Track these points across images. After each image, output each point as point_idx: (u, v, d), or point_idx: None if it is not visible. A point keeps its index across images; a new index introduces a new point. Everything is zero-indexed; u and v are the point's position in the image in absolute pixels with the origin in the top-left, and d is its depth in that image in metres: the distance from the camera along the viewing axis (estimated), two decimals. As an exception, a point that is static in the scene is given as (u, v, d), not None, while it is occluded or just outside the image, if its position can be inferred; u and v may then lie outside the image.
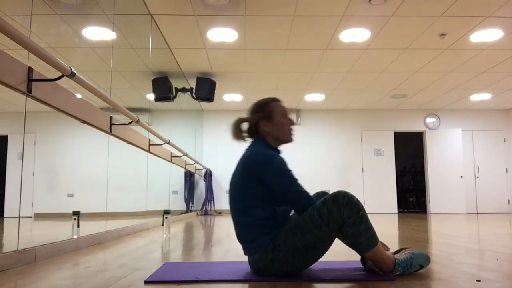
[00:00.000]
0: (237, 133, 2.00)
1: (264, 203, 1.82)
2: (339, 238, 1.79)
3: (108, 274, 1.91)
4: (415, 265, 1.81)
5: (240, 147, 9.77)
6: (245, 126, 2.02)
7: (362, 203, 9.61)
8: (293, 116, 1.91)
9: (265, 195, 1.82)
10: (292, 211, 1.96)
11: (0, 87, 2.01)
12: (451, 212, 9.60)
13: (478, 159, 10.06)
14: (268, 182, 1.79)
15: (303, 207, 1.77)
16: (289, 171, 1.82)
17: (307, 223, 1.72)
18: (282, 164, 1.82)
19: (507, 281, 1.71)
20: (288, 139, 1.99)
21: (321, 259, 2.23)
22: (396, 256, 1.83)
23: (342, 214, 1.70)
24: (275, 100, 2.00)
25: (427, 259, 1.85)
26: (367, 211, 9.63)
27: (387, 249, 1.97)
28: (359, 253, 1.80)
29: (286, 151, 9.81)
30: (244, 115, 2.03)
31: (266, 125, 1.95)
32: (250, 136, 2.01)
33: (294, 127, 2.02)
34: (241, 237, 1.87)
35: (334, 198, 1.72)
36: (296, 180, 1.81)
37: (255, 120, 1.97)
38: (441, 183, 9.76)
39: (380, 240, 1.89)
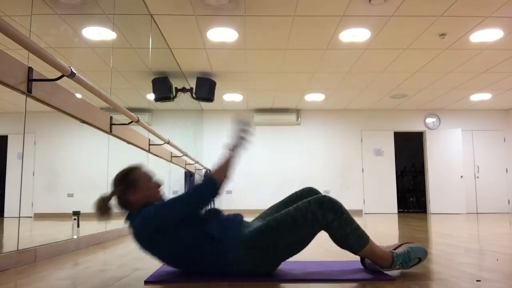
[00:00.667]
0: (104, 212, 1.85)
1: (188, 237, 1.76)
2: (334, 242, 1.81)
3: (108, 274, 1.91)
4: (414, 258, 1.82)
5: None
6: (113, 202, 1.89)
7: (362, 203, 9.66)
8: (157, 178, 1.89)
9: (179, 233, 1.76)
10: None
11: (0, 87, 2.01)
12: (451, 212, 9.60)
13: (478, 159, 10.06)
14: (168, 225, 1.74)
15: (202, 195, 1.76)
16: (162, 205, 1.76)
17: (291, 224, 1.75)
18: (155, 207, 1.76)
19: (507, 281, 1.71)
20: (157, 197, 1.92)
21: (321, 259, 2.23)
22: (394, 250, 1.84)
23: (327, 219, 1.74)
24: (134, 169, 1.93)
25: (424, 252, 1.86)
26: (367, 211, 9.67)
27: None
28: (353, 253, 1.80)
29: (286, 151, 9.81)
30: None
31: (134, 194, 1.87)
32: (124, 209, 1.91)
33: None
34: (212, 269, 1.80)
35: (320, 203, 1.75)
36: (170, 202, 1.76)
37: (122, 193, 1.88)
38: (441, 183, 9.76)
39: (379, 244, 1.89)
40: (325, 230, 1.78)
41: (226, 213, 1.94)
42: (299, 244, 1.79)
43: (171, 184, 7.38)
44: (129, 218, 1.87)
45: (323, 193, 1.98)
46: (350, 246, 1.78)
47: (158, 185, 1.95)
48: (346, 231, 1.75)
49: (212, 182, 1.78)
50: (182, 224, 1.77)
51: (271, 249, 1.76)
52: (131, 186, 1.89)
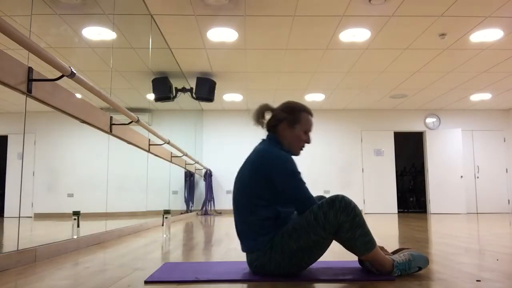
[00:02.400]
0: (259, 118, 1.96)
1: (268, 203, 1.81)
2: (335, 240, 1.79)
3: (108, 274, 1.91)
4: (414, 267, 1.80)
5: (240, 146, 9.78)
6: (267, 115, 1.98)
7: (362, 203, 9.66)
8: (311, 135, 1.95)
9: (270, 195, 1.81)
10: (295, 213, 1.96)
11: (0, 87, 2.01)
12: (451, 212, 9.60)
13: (478, 159, 10.06)
14: (276, 182, 1.78)
15: (306, 205, 1.78)
16: (299, 173, 1.81)
17: (304, 227, 1.72)
18: (293, 166, 1.81)
19: (507, 281, 1.71)
20: (295, 153, 1.96)
21: (320, 259, 2.23)
22: (395, 257, 1.82)
23: (338, 219, 1.70)
24: (308, 112, 1.97)
25: (426, 261, 1.84)
26: (367, 211, 9.66)
27: (387, 253, 1.96)
28: (356, 255, 1.80)
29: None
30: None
31: (286, 129, 1.92)
32: (267, 129, 1.98)
33: (306, 145, 2.00)
34: (242, 233, 1.86)
35: (331, 203, 1.72)
36: (304, 183, 1.81)
37: (280, 118, 1.93)
38: (441, 183, 9.76)
39: (380, 244, 1.89)
40: (335, 232, 1.73)
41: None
42: (313, 250, 1.74)
43: (171, 184, 7.38)
44: (267, 137, 1.94)
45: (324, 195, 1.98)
46: (355, 249, 1.75)
47: (307, 141, 1.96)
48: (356, 234, 1.71)
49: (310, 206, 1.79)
50: (277, 190, 1.79)
51: (286, 253, 1.74)
52: (290, 121, 1.92)
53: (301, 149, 1.97)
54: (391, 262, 1.78)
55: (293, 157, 1.94)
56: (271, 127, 1.96)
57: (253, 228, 1.81)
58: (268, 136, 1.97)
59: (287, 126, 1.92)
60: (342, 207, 1.70)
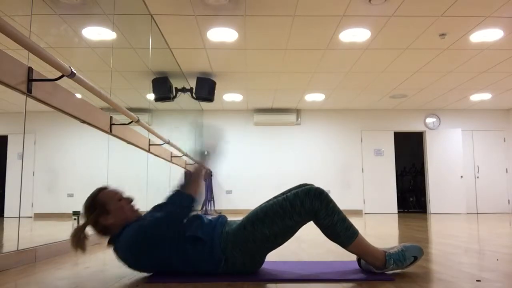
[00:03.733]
0: (80, 244, 1.76)
1: (173, 246, 1.76)
2: (320, 229, 1.82)
3: (108, 274, 1.91)
4: (409, 257, 1.81)
5: (240, 146, 9.78)
6: (90, 231, 1.82)
7: (362, 203, 9.66)
8: (126, 194, 1.87)
9: (165, 245, 1.76)
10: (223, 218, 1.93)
11: (0, 87, 2.01)
12: (451, 212, 9.60)
13: (478, 159, 10.06)
14: (155, 240, 1.73)
15: (181, 213, 1.76)
16: (144, 226, 1.73)
17: (278, 213, 1.77)
18: (139, 227, 1.73)
19: (507, 281, 1.71)
20: (131, 217, 1.85)
21: (320, 259, 2.23)
22: (386, 249, 1.84)
23: (314, 206, 1.77)
24: (101, 191, 1.86)
25: (420, 250, 1.85)
26: (367, 211, 9.67)
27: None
28: (343, 247, 1.80)
29: (286, 151, 9.81)
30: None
31: (107, 219, 1.80)
32: (103, 235, 1.84)
33: (133, 203, 1.90)
34: (203, 270, 1.81)
35: (307, 192, 1.79)
36: (153, 221, 1.73)
37: (95, 219, 1.80)
38: (441, 183, 9.76)
39: (378, 244, 1.89)
40: (313, 220, 1.80)
41: (211, 216, 1.95)
42: (286, 234, 1.80)
43: (171, 184, 7.38)
44: (112, 241, 1.81)
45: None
46: (339, 237, 1.78)
47: (129, 201, 1.89)
48: (334, 220, 1.77)
49: (188, 199, 1.76)
50: (164, 238, 1.75)
51: (258, 240, 1.76)
52: (102, 210, 1.80)
53: (135, 210, 1.89)
54: (382, 253, 1.80)
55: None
56: (103, 232, 1.83)
57: (201, 260, 1.77)
58: (110, 239, 1.84)
59: (104, 217, 1.80)
60: (316, 194, 1.78)
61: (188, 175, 1.87)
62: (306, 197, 1.78)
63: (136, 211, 1.90)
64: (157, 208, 1.98)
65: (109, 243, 1.82)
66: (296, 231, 1.84)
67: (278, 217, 1.77)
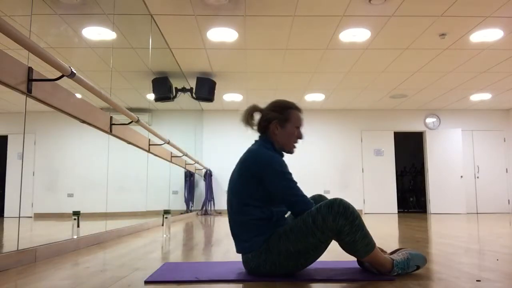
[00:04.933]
0: (248, 119, 1.97)
1: (261, 203, 1.81)
2: (341, 247, 1.79)
3: (108, 274, 1.91)
4: (412, 265, 1.81)
5: (240, 146, 9.77)
6: (257, 116, 1.99)
7: (362, 203, 9.65)
8: (303, 131, 1.95)
9: (263, 196, 1.81)
10: (289, 213, 1.96)
11: (0, 87, 2.01)
12: (451, 212, 9.60)
13: (478, 159, 10.06)
14: (267, 183, 1.79)
15: (301, 211, 1.77)
16: (289, 174, 1.81)
17: (302, 230, 1.72)
18: (283, 166, 1.81)
19: (507, 281, 1.71)
20: (289, 151, 1.97)
21: (320, 259, 2.23)
22: (393, 256, 1.82)
23: (337, 223, 1.69)
24: (296, 108, 1.97)
25: (424, 260, 1.85)
26: (367, 211, 9.66)
27: (384, 252, 1.97)
28: (357, 258, 1.79)
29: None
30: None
31: (277, 128, 1.93)
32: (258, 130, 1.99)
33: (299, 141, 2.00)
34: (236, 234, 1.87)
35: (330, 206, 1.70)
36: (295, 183, 1.80)
37: (270, 118, 1.94)
38: (441, 183, 9.76)
39: (377, 244, 1.88)
40: (335, 235, 1.72)
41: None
42: (309, 253, 1.74)
43: (171, 184, 7.39)
44: (260, 138, 1.95)
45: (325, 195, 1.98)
46: (356, 252, 1.74)
47: (299, 136, 1.96)
48: (356, 237, 1.70)
49: (309, 207, 1.78)
50: (268, 190, 1.79)
51: (283, 254, 1.74)
52: (281, 120, 1.92)
53: (295, 147, 1.98)
54: (390, 262, 1.78)
55: (288, 156, 1.96)
56: (262, 127, 1.97)
57: (247, 229, 1.81)
58: (260, 137, 1.98)
59: (278, 125, 1.93)
60: (341, 211, 1.69)
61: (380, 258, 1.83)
62: (328, 213, 1.69)
63: (294, 149, 1.98)
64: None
65: (260, 132, 1.98)
66: (321, 251, 1.76)
67: (301, 233, 1.72)
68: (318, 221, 1.70)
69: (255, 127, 2.00)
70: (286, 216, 1.94)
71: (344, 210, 1.69)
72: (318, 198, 2.03)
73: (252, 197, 1.81)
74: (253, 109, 1.98)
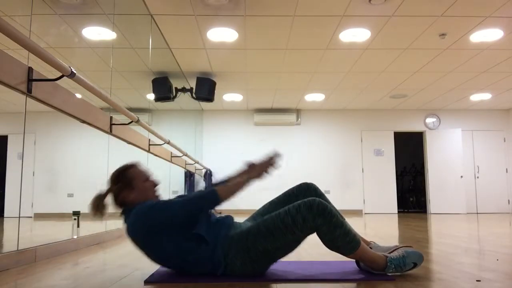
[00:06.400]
0: (99, 210, 1.85)
1: (184, 238, 1.77)
2: (324, 244, 1.80)
3: (108, 274, 1.91)
4: (409, 263, 1.80)
5: (240, 146, 9.78)
6: (109, 200, 1.90)
7: (362, 203, 9.66)
8: (154, 177, 1.89)
9: (177, 233, 1.76)
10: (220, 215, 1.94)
11: (0, 87, 2.01)
12: (451, 212, 9.60)
13: (478, 159, 10.06)
14: (163, 224, 1.74)
15: (203, 205, 1.77)
16: (163, 203, 1.76)
17: (280, 228, 1.74)
18: (153, 206, 1.75)
19: (507, 281, 1.71)
20: (154, 198, 1.92)
21: (320, 259, 2.23)
22: (389, 254, 1.83)
23: (316, 223, 1.73)
24: (131, 167, 1.92)
25: (420, 257, 1.84)
26: (367, 211, 9.66)
27: (367, 243, 1.99)
28: (344, 255, 1.80)
29: (286, 151, 9.81)
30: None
31: (129, 194, 1.87)
32: (120, 208, 1.90)
33: (157, 188, 1.95)
34: (202, 271, 1.81)
35: (310, 207, 1.73)
36: (172, 203, 1.76)
37: (116, 192, 1.88)
38: (441, 183, 9.76)
39: (377, 243, 1.89)
40: (316, 233, 1.77)
41: (217, 215, 1.94)
42: (287, 247, 1.79)
43: (171, 184, 7.38)
44: (124, 213, 1.87)
45: (323, 192, 1.99)
46: (339, 249, 1.77)
47: (154, 185, 1.95)
48: (335, 235, 1.74)
49: (215, 198, 1.77)
50: (173, 225, 1.76)
51: (260, 252, 1.75)
52: (126, 185, 1.88)
53: (157, 195, 1.94)
54: (383, 259, 1.79)
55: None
56: (121, 204, 1.89)
57: (203, 260, 1.77)
58: (124, 211, 1.88)
59: (127, 191, 1.87)
60: (320, 211, 1.73)
61: (233, 180, 1.86)
62: (308, 213, 1.73)
63: (158, 196, 1.95)
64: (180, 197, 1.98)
65: (122, 213, 1.88)
66: (299, 244, 1.82)
67: (280, 232, 1.74)
68: (298, 221, 1.73)
69: (117, 209, 1.90)
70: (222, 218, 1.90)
71: (322, 210, 1.73)
72: (305, 186, 2.05)
73: (174, 243, 1.76)
74: (99, 198, 1.87)
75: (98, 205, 1.85)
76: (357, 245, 1.76)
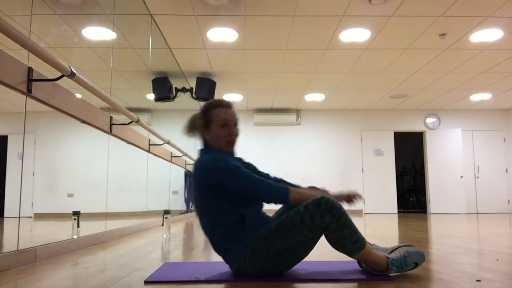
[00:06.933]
0: (190, 130, 1.94)
1: (229, 209, 1.79)
2: (330, 244, 1.79)
3: (108, 274, 1.91)
4: (410, 263, 1.79)
5: (240, 146, 9.77)
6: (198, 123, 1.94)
7: (362, 203, 9.65)
8: (234, 126, 1.90)
9: (227, 201, 1.78)
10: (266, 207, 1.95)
11: (0, 87, 2.01)
12: (451, 212, 9.60)
13: (478, 159, 10.06)
14: (225, 185, 1.76)
15: (264, 193, 1.75)
16: (237, 167, 1.77)
17: (289, 228, 1.72)
18: (226, 163, 1.77)
19: (507, 281, 1.71)
20: (226, 150, 1.89)
21: (320, 259, 2.23)
22: (390, 255, 1.82)
23: (324, 220, 1.69)
24: (220, 106, 1.89)
25: (422, 257, 1.83)
26: (367, 211, 9.66)
27: (371, 245, 1.98)
28: (348, 255, 1.79)
29: (286, 151, 9.81)
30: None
31: (205, 132, 1.89)
32: (200, 138, 1.94)
33: (234, 137, 1.90)
34: (217, 249, 1.84)
35: (317, 204, 1.70)
36: (245, 173, 1.76)
37: (196, 124, 1.92)
38: (441, 183, 9.76)
39: (377, 243, 1.88)
40: (322, 232, 1.74)
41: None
42: (298, 250, 1.75)
43: (171, 184, 7.39)
44: (201, 148, 1.91)
45: None
46: (345, 249, 1.74)
47: (229, 135, 1.88)
48: (343, 234, 1.71)
49: (285, 195, 1.75)
50: (229, 193, 1.77)
51: (272, 254, 1.74)
52: (205, 124, 1.89)
53: (231, 144, 1.90)
54: (385, 260, 1.77)
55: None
56: (201, 135, 1.93)
57: (224, 240, 1.79)
58: (201, 144, 1.94)
59: (204, 129, 1.89)
60: (328, 208, 1.69)
61: (307, 192, 1.84)
62: (316, 210, 1.69)
63: (232, 148, 1.91)
64: (255, 172, 1.98)
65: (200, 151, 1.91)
66: (310, 247, 1.78)
67: (288, 232, 1.71)
68: (306, 219, 1.70)
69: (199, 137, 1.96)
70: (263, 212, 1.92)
71: (331, 208, 1.70)
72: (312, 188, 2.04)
73: (218, 207, 1.78)
74: (193, 119, 1.94)
75: (193, 124, 1.92)
76: (363, 246, 1.74)
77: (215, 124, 1.87)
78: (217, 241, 1.82)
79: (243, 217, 1.79)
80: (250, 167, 2.00)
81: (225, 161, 1.77)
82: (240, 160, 1.99)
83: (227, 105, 1.91)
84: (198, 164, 1.82)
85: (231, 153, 1.92)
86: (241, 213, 1.79)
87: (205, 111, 1.90)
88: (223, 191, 1.77)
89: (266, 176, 1.99)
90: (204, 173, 1.78)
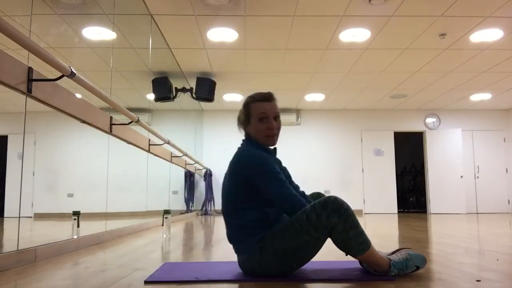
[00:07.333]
0: (238, 124, 1.98)
1: (255, 205, 1.80)
2: (335, 245, 1.78)
3: (108, 274, 1.91)
4: (411, 266, 1.80)
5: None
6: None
7: (362, 203, 9.65)
8: (274, 120, 1.84)
9: (256, 198, 1.80)
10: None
11: (0, 87, 2.01)
12: (451, 212, 9.60)
13: (478, 159, 10.06)
14: (259, 185, 1.78)
15: (293, 210, 1.76)
16: (278, 173, 1.78)
17: (296, 227, 1.71)
18: (267, 165, 1.78)
19: (507, 281, 1.71)
20: (266, 144, 1.91)
21: (320, 259, 2.23)
22: (392, 257, 1.82)
23: (331, 220, 1.68)
24: (258, 100, 1.91)
25: (423, 260, 1.83)
26: (367, 211, 9.66)
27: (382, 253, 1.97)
28: (352, 256, 1.78)
29: (286, 151, 9.81)
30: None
31: (247, 126, 1.93)
32: (245, 132, 1.97)
33: (274, 131, 1.92)
34: (231, 238, 1.87)
35: (324, 204, 1.69)
36: (282, 182, 1.77)
37: (238, 118, 1.96)
38: (441, 183, 9.76)
39: (376, 244, 1.87)
40: (329, 233, 1.72)
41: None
42: (306, 250, 1.74)
43: (171, 184, 7.39)
44: (243, 142, 1.94)
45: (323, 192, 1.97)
46: (351, 249, 1.73)
47: (268, 129, 1.88)
48: (350, 235, 1.69)
49: (301, 206, 1.74)
50: (258, 192, 1.78)
51: (279, 255, 1.73)
52: (245, 117, 1.91)
53: (271, 138, 1.91)
54: (387, 262, 1.77)
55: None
56: (244, 130, 1.97)
57: (243, 232, 1.81)
58: (245, 136, 1.97)
59: (246, 123, 1.92)
60: (334, 208, 1.68)
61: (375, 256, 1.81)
62: (323, 210, 1.68)
63: (272, 142, 1.91)
64: (290, 182, 1.99)
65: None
66: (317, 248, 1.76)
67: (295, 231, 1.71)
68: (312, 219, 1.69)
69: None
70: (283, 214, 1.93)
71: (338, 208, 1.68)
72: (317, 195, 2.03)
73: (246, 200, 1.80)
74: (239, 114, 1.99)
75: (238, 119, 1.96)
76: (368, 247, 1.73)
77: (254, 118, 1.89)
78: (234, 231, 1.84)
79: (266, 215, 1.80)
80: (285, 172, 2.02)
81: (267, 163, 1.79)
82: (279, 164, 2.00)
83: (266, 98, 1.93)
84: (242, 155, 1.84)
85: (273, 150, 1.96)
86: (266, 211, 1.81)
87: (245, 106, 1.93)
88: (256, 189, 1.79)
89: (296, 187, 2.01)
90: (246, 168, 1.80)
